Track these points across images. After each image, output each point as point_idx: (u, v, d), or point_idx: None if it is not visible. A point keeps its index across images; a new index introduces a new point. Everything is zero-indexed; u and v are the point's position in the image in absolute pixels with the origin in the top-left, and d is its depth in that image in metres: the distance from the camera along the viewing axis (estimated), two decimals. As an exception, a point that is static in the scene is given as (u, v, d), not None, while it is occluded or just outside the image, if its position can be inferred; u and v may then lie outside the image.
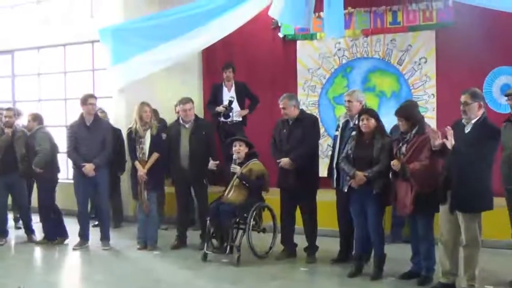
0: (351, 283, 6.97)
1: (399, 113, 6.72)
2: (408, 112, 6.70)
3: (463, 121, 6.24)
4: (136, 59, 9.37)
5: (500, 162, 6.63)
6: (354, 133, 7.14)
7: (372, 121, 6.91)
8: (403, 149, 6.61)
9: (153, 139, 8.52)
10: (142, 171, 8.45)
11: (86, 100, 8.67)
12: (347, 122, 7.57)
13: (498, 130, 6.19)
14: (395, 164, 6.51)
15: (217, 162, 8.47)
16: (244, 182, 7.94)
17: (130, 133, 8.60)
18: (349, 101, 7.52)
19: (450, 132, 6.03)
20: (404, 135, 6.67)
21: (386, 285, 6.86)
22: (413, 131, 6.61)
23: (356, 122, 7.17)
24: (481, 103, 6.18)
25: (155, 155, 8.51)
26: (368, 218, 6.96)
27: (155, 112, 9.34)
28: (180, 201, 8.79)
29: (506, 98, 6.99)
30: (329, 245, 8.07)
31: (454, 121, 6.39)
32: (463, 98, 6.18)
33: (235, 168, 8.02)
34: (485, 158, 6.07)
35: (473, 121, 6.14)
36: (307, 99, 10.65)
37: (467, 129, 6.16)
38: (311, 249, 7.96)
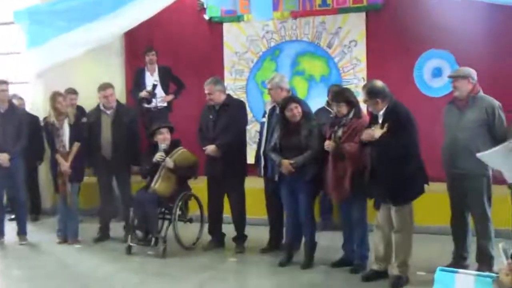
0: (282, 272, 7.02)
1: (340, 98, 6.76)
2: (348, 96, 6.79)
3: (373, 112, 6.37)
4: (54, 42, 9.20)
5: (442, 147, 6.64)
6: (278, 122, 7.18)
7: (300, 109, 6.96)
8: (340, 132, 6.67)
9: (72, 129, 8.35)
10: (65, 165, 8.27)
11: (-4, 86, 8.44)
12: (273, 108, 7.59)
13: (406, 119, 6.18)
14: (328, 145, 6.58)
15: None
16: (179, 172, 7.87)
17: (46, 124, 8.42)
18: (269, 88, 7.60)
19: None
20: (340, 119, 6.73)
21: (318, 273, 6.93)
22: (350, 115, 6.70)
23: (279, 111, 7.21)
24: (378, 100, 6.22)
25: (76, 145, 8.35)
26: (299, 205, 7.02)
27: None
28: (102, 192, 8.69)
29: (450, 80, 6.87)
30: (258, 234, 8.09)
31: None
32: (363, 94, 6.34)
33: (163, 157, 7.92)
34: (403, 147, 6.07)
35: (380, 113, 6.26)
36: (234, 83, 10.64)
37: (380, 119, 6.26)
38: (240, 238, 7.99)
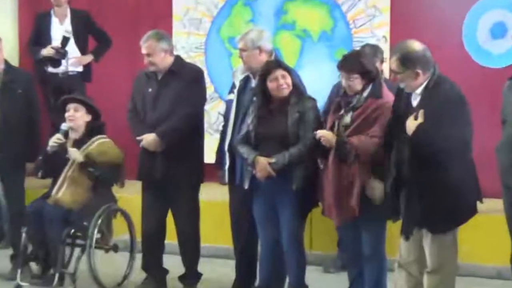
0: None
1: (351, 66, 6.64)
2: (365, 64, 6.66)
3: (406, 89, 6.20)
4: None
5: (498, 146, 6.50)
6: (255, 99, 7.13)
7: (290, 81, 6.90)
8: (348, 118, 6.59)
9: None
10: None
11: None
12: (246, 79, 7.57)
13: (456, 101, 6.00)
14: (323, 136, 6.52)
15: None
16: (90, 170, 7.77)
17: None
18: (242, 49, 7.52)
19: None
20: (351, 98, 6.66)
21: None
22: (365, 93, 6.61)
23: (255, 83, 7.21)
24: (418, 71, 6.02)
25: None
26: (281, 228, 7.00)
27: None
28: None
29: None
30: (219, 270, 8.24)
31: (398, 88, 6.31)
32: (391, 62, 6.16)
33: (60, 140, 7.77)
34: (448, 144, 5.89)
35: (418, 91, 6.10)
36: (187, 40, 10.70)
37: (415, 101, 6.11)
38: (191, 277, 7.99)
